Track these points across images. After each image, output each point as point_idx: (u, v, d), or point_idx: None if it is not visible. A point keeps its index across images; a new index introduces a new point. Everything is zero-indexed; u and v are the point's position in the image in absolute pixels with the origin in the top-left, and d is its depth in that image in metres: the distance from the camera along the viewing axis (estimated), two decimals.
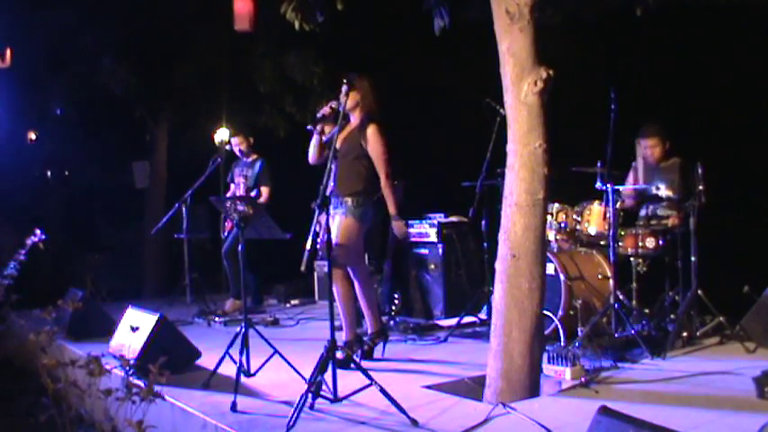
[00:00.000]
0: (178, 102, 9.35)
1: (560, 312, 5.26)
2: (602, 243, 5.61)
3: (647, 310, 5.38)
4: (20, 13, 7.73)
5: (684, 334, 5.05)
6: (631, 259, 5.36)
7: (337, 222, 4.83)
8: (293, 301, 8.08)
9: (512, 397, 3.76)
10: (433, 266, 6.63)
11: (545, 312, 4.30)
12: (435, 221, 6.65)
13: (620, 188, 5.29)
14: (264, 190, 7.26)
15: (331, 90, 5.01)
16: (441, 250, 6.55)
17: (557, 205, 5.66)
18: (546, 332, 4.99)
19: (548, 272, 4.67)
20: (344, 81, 4.63)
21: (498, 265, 3.92)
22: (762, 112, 6.01)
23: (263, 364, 4.40)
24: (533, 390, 3.87)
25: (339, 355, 3.96)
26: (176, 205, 7.37)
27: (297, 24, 5.04)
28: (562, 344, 4.98)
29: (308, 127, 5.03)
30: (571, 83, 4.27)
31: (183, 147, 9.70)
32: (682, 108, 6.25)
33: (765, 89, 5.91)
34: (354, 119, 5.00)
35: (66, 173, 11.22)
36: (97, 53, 8.38)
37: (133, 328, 4.84)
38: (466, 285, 6.53)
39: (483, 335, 5.51)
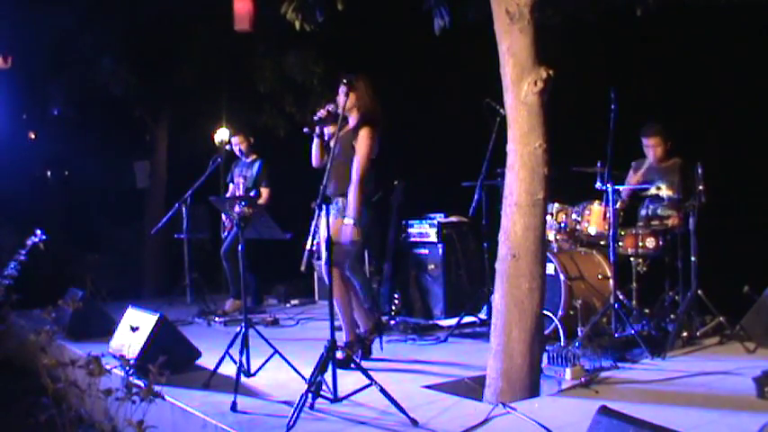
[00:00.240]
0: (178, 102, 9.34)
1: (560, 312, 5.26)
2: (602, 243, 5.61)
3: (647, 310, 5.38)
4: (20, 14, 7.73)
5: (684, 334, 5.05)
6: (631, 259, 5.36)
7: (331, 223, 4.80)
8: (293, 301, 8.08)
9: (512, 397, 3.77)
10: (432, 266, 6.63)
11: (545, 312, 4.30)
12: (435, 221, 6.65)
13: (620, 188, 5.29)
14: (264, 191, 7.26)
15: (331, 90, 5.00)
16: (441, 250, 6.55)
17: (557, 205, 5.67)
18: (546, 332, 4.99)
19: (548, 272, 4.68)
20: (342, 82, 4.65)
21: (498, 265, 3.92)
22: (762, 112, 6.01)
23: (263, 364, 4.40)
24: (533, 390, 3.87)
25: (339, 355, 3.96)
26: (176, 205, 7.37)
27: (297, 25, 5.04)
28: (562, 344, 4.98)
29: (305, 129, 5.01)
30: (571, 83, 4.27)
31: (183, 147, 9.70)
32: (682, 108, 6.26)
33: (765, 89, 5.91)
34: (352, 120, 4.98)
35: (66, 173, 11.22)
36: (97, 53, 8.38)
37: (133, 328, 4.84)
38: (466, 285, 6.52)
39: (483, 335, 5.51)
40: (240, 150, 7.45)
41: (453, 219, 6.71)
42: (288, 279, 8.13)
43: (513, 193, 3.84)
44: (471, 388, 4.24)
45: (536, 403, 3.75)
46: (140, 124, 9.77)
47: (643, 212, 5.77)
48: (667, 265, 5.38)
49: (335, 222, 4.80)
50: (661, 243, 5.28)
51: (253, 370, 4.37)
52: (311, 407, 3.75)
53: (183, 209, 7.39)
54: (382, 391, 3.63)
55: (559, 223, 5.68)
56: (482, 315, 5.99)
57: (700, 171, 5.03)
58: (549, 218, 5.54)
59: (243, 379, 4.18)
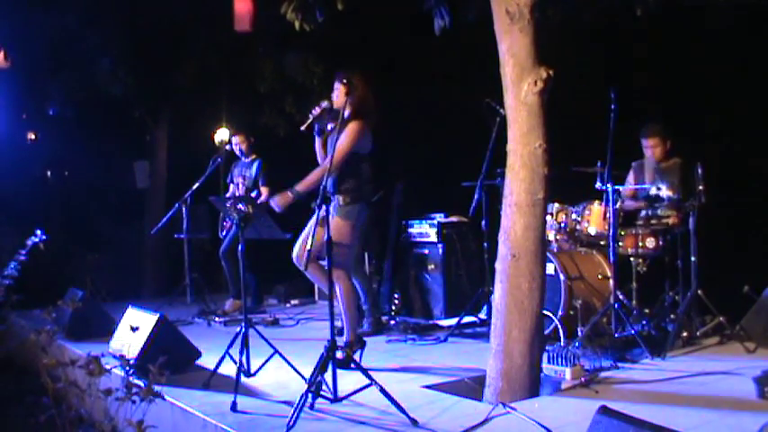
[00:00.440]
0: (178, 102, 9.34)
1: (560, 312, 5.26)
2: (602, 243, 5.61)
3: (647, 310, 5.38)
4: (19, 14, 7.73)
5: (684, 334, 5.05)
6: (631, 259, 5.36)
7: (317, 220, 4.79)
8: (293, 301, 8.08)
9: (512, 397, 3.77)
10: (432, 266, 6.63)
11: (545, 312, 4.31)
12: (435, 221, 6.65)
13: (620, 188, 5.29)
14: (264, 190, 7.26)
15: (331, 90, 5.02)
16: (441, 250, 6.55)
17: (557, 205, 5.67)
18: (546, 332, 5.00)
19: (548, 272, 4.68)
20: (341, 81, 4.67)
21: (498, 265, 3.92)
22: (762, 112, 6.01)
23: (263, 364, 4.40)
24: (533, 390, 3.88)
25: (339, 355, 3.96)
26: (176, 205, 7.37)
27: (297, 25, 5.04)
28: (562, 344, 4.98)
29: (302, 128, 5.02)
30: (571, 83, 4.27)
31: (183, 147, 9.70)
32: (682, 108, 6.26)
33: (765, 89, 5.91)
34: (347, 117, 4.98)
35: (66, 173, 11.21)
36: (97, 54, 8.38)
37: (133, 327, 4.84)
38: (466, 285, 6.52)
39: (483, 335, 5.52)
40: (240, 150, 7.45)
41: (453, 219, 6.71)
42: (288, 279, 8.12)
43: (513, 193, 3.84)
44: (471, 388, 4.24)
45: (536, 403, 3.75)
46: (140, 124, 9.77)
47: (643, 212, 5.77)
48: (667, 265, 5.38)
49: (332, 220, 4.80)
50: (661, 243, 5.28)
51: (253, 370, 4.37)
52: (311, 407, 3.75)
53: (183, 209, 7.39)
54: (382, 391, 3.63)
55: (559, 223, 5.68)
56: (482, 315, 5.99)
57: (700, 171, 5.03)
58: (549, 218, 5.54)
59: (243, 379, 4.18)
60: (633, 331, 4.85)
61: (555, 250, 5.65)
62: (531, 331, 3.83)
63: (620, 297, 5.11)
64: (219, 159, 7.54)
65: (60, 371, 3.57)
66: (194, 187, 7.32)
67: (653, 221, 5.57)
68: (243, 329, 4.33)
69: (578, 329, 5.06)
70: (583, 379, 4.14)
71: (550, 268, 5.29)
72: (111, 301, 7.70)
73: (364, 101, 4.84)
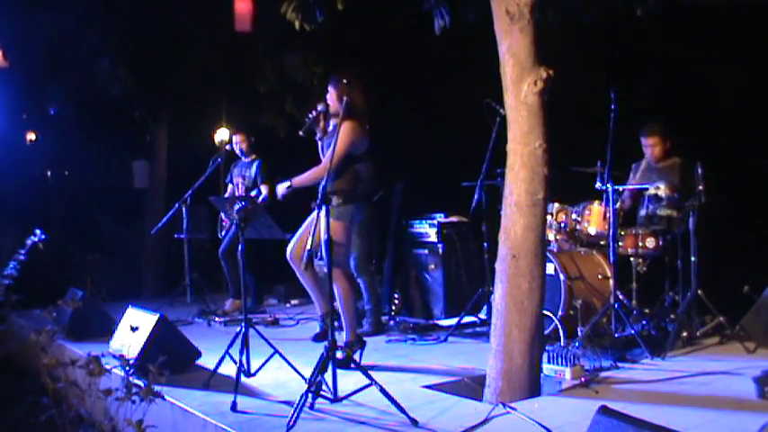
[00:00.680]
0: (178, 102, 9.34)
1: (560, 312, 5.26)
2: (602, 243, 5.61)
3: (647, 310, 5.38)
4: (19, 13, 7.72)
5: (684, 334, 5.06)
6: (631, 259, 5.36)
7: (322, 221, 4.80)
8: (293, 301, 8.08)
9: (512, 397, 3.77)
10: (433, 266, 6.63)
11: (545, 312, 4.31)
12: (435, 221, 6.65)
13: (621, 188, 5.29)
14: (263, 188, 7.26)
15: (327, 93, 5.03)
16: (441, 250, 6.55)
17: (557, 205, 5.67)
18: (546, 332, 5.00)
19: (548, 272, 4.69)
20: (342, 82, 4.68)
21: (498, 265, 3.92)
22: (762, 111, 6.01)
23: (263, 364, 4.40)
24: (533, 390, 3.88)
25: (339, 355, 3.96)
26: (176, 205, 7.37)
27: (297, 25, 5.04)
28: (562, 344, 4.98)
29: (300, 133, 5.03)
30: (571, 83, 4.27)
31: (183, 147, 9.69)
32: (682, 108, 6.26)
33: (765, 89, 5.91)
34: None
35: (66, 173, 11.20)
36: (96, 54, 8.37)
37: (133, 327, 4.84)
38: (466, 285, 6.52)
39: (483, 335, 5.52)
40: (241, 150, 7.45)
41: (453, 219, 6.71)
42: (288, 279, 8.12)
43: (513, 193, 3.84)
44: (471, 388, 4.24)
45: (536, 403, 3.75)
46: (140, 124, 9.76)
47: (643, 212, 5.77)
48: (667, 265, 5.38)
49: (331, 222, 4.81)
50: (661, 243, 5.28)
51: (253, 370, 4.37)
52: (311, 407, 3.75)
53: (183, 209, 7.39)
54: (382, 391, 3.63)
55: (559, 223, 5.68)
56: (482, 315, 5.99)
57: (699, 171, 5.03)
58: (549, 218, 5.54)
59: (243, 379, 4.18)
60: (633, 331, 4.85)
61: (555, 250, 5.65)
62: (531, 331, 3.83)
63: (620, 297, 5.10)
64: (219, 159, 7.54)
65: (60, 371, 3.57)
66: (194, 187, 7.32)
67: (653, 221, 5.57)
68: (243, 329, 4.33)
69: (578, 329, 5.06)
70: (583, 379, 4.14)
71: (550, 268, 5.29)
72: (111, 301, 7.70)
73: (357, 103, 4.84)
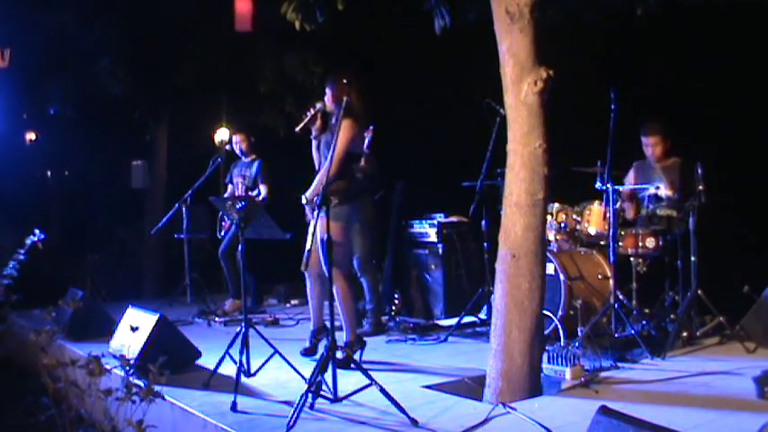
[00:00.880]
0: (178, 102, 9.34)
1: (560, 312, 5.26)
2: (602, 243, 5.61)
3: (647, 310, 5.37)
4: (19, 13, 7.72)
5: (684, 334, 5.06)
6: (631, 259, 5.36)
7: (319, 222, 4.80)
8: (293, 301, 8.08)
9: (512, 397, 3.77)
10: (433, 266, 6.63)
11: (545, 312, 4.31)
12: (435, 221, 6.65)
13: (620, 188, 5.29)
14: (263, 188, 7.26)
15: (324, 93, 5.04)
16: (441, 250, 6.55)
17: (557, 205, 5.67)
18: (546, 332, 5.00)
19: (548, 272, 4.69)
20: (326, 85, 4.70)
21: (498, 265, 3.92)
22: (762, 111, 6.01)
23: (263, 364, 4.40)
24: (533, 390, 3.88)
25: (339, 355, 3.96)
26: (176, 205, 7.38)
27: (297, 25, 5.04)
28: (562, 344, 4.98)
29: (296, 130, 5.04)
30: (571, 83, 4.27)
31: (183, 147, 9.69)
32: (682, 108, 6.26)
33: (765, 89, 5.91)
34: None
35: (66, 173, 11.20)
36: (96, 54, 8.37)
37: (133, 327, 4.84)
38: (466, 285, 6.53)
39: (483, 335, 5.52)
40: (241, 149, 7.45)
41: (453, 219, 6.71)
42: (287, 279, 8.13)
43: (513, 193, 3.84)
44: (471, 388, 4.24)
45: (536, 403, 3.75)
46: (140, 124, 9.77)
47: (643, 212, 5.77)
48: (667, 265, 5.38)
49: (324, 222, 4.80)
50: (661, 243, 5.28)
51: (253, 370, 4.37)
52: (311, 407, 3.75)
53: (183, 209, 7.40)
54: (382, 391, 3.63)
55: (559, 223, 5.68)
56: (482, 315, 5.99)
57: (700, 171, 5.03)
58: (549, 218, 5.54)
59: (243, 379, 4.18)
60: (633, 331, 4.85)
61: (555, 250, 5.65)
62: (531, 331, 3.83)
63: (620, 297, 5.10)
64: (219, 159, 7.55)
65: (60, 371, 3.57)
66: (194, 187, 7.32)
67: (653, 221, 5.57)
68: (243, 329, 4.33)
69: (578, 329, 5.06)
70: (583, 379, 4.14)
71: (550, 268, 5.29)
72: (111, 301, 7.70)
73: (355, 103, 4.84)
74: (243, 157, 7.49)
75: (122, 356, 4.08)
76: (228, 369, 4.31)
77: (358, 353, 4.84)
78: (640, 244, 5.30)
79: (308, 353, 5.02)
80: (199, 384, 4.35)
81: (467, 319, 5.93)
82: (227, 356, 4.35)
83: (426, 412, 3.63)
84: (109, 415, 3.61)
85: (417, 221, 6.79)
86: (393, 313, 6.73)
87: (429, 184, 7.40)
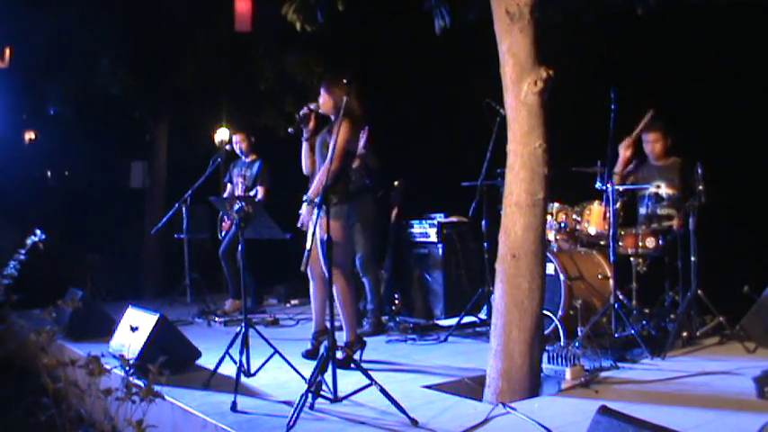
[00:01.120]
0: (178, 102, 9.34)
1: (560, 312, 5.26)
2: (602, 243, 5.61)
3: (647, 310, 5.37)
4: (19, 13, 7.72)
5: (684, 334, 5.06)
6: (631, 259, 5.36)
7: (317, 222, 4.80)
8: (293, 301, 8.08)
9: (512, 397, 3.77)
10: (433, 266, 6.63)
11: (545, 312, 4.31)
12: (435, 221, 6.65)
13: (620, 188, 5.29)
14: (261, 189, 7.26)
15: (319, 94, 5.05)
16: (441, 250, 6.55)
17: (557, 205, 5.67)
18: (546, 332, 5.00)
19: (548, 272, 4.69)
20: (320, 86, 4.71)
21: (498, 265, 3.92)
22: (762, 111, 6.01)
23: (263, 364, 4.40)
24: (533, 390, 3.88)
25: (339, 355, 3.96)
26: (176, 205, 7.38)
27: (298, 26, 5.04)
28: (562, 344, 4.98)
29: (289, 130, 5.04)
30: (571, 83, 4.27)
31: (183, 147, 9.69)
32: (682, 108, 6.25)
33: (765, 89, 5.91)
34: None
35: (66, 173, 11.20)
36: (96, 54, 8.37)
37: (133, 327, 4.83)
38: (466, 285, 6.53)
39: (483, 335, 5.52)
40: (241, 149, 7.45)
41: (453, 219, 6.71)
42: (288, 279, 8.13)
43: (513, 193, 3.84)
44: (471, 388, 4.24)
45: (536, 403, 3.75)
46: (140, 124, 9.77)
47: (643, 212, 5.76)
48: (667, 265, 5.38)
49: (319, 220, 4.80)
50: (661, 243, 5.28)
51: (253, 370, 4.37)
52: (311, 407, 3.75)
53: (183, 209, 7.40)
54: (382, 391, 3.63)
55: (559, 223, 5.68)
56: (482, 315, 5.99)
57: (699, 171, 5.03)
58: (549, 218, 5.54)
59: (243, 379, 4.18)
60: (633, 331, 4.85)
61: (555, 250, 5.65)
62: (531, 331, 3.82)
63: (620, 297, 5.10)
64: (219, 159, 7.55)
65: (60, 371, 3.57)
66: (194, 187, 7.32)
67: (653, 221, 5.57)
68: (243, 329, 4.33)
69: (578, 329, 5.06)
70: (583, 379, 4.14)
71: (550, 268, 5.29)
72: (111, 301, 7.70)
73: (353, 105, 4.84)
74: (243, 157, 7.50)
75: (122, 356, 4.08)
76: (228, 369, 4.31)
77: (358, 353, 4.84)
78: (640, 244, 5.30)
79: (310, 355, 4.97)
80: (199, 384, 4.35)
81: (467, 320, 5.93)
82: (227, 356, 4.35)
83: (426, 412, 3.63)
84: (109, 415, 3.61)
85: (417, 221, 6.79)
86: (393, 313, 6.73)
87: (429, 184, 7.40)
